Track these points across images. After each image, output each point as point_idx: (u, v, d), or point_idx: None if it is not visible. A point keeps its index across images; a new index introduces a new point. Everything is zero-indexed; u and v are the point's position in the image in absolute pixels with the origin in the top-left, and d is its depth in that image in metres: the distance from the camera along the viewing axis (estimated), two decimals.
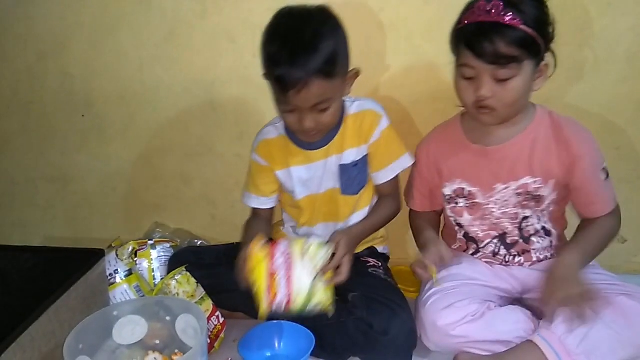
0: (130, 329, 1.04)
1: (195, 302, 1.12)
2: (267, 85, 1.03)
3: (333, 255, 1.02)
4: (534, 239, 1.12)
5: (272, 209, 1.23)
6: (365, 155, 1.13)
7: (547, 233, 1.12)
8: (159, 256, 1.31)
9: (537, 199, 1.07)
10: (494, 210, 1.10)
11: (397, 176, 1.17)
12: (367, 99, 1.15)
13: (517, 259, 1.13)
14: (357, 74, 1.07)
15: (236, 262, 1.04)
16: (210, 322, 1.13)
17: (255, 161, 1.19)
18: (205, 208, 1.55)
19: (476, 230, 1.14)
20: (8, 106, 1.53)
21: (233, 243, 1.24)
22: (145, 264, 1.29)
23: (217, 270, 1.16)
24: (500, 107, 0.99)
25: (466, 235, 1.16)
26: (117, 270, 1.24)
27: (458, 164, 1.11)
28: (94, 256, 1.21)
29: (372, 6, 1.29)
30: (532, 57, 0.96)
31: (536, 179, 1.06)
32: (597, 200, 1.07)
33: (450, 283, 1.08)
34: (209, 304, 1.15)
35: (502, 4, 0.93)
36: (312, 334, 1.07)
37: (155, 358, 1.04)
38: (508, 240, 1.12)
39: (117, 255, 1.26)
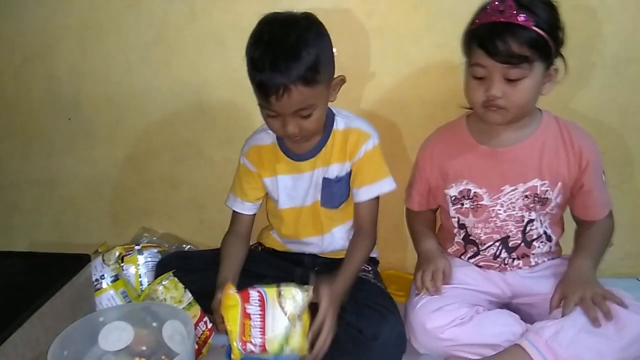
0: (116, 335, 1.03)
1: (183, 308, 1.11)
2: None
3: (314, 305, 0.99)
4: (535, 243, 1.13)
5: (253, 216, 1.23)
6: (349, 172, 1.14)
7: (548, 238, 1.14)
8: (145, 262, 1.29)
9: (544, 201, 1.09)
10: (499, 212, 1.11)
11: (376, 203, 1.15)
12: (359, 118, 1.16)
13: (515, 262, 1.14)
14: (342, 80, 1.08)
15: (212, 305, 1.05)
16: (197, 327, 1.12)
17: (245, 165, 1.19)
18: (193, 212, 1.53)
19: (479, 233, 1.14)
20: None
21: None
22: (132, 270, 1.28)
23: (205, 275, 1.16)
24: (510, 107, 1.00)
25: (466, 237, 1.17)
26: (103, 275, 1.23)
27: (465, 165, 1.12)
28: (79, 261, 1.19)
29: (360, 12, 1.29)
30: (542, 60, 0.98)
31: (544, 182, 1.08)
32: (598, 203, 1.11)
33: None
34: (196, 310, 1.14)
35: (515, 4, 0.96)
36: None
37: None
38: (510, 244, 1.13)
39: (103, 260, 1.24)
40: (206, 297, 1.14)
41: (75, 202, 1.57)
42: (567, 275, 1.07)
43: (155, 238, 1.48)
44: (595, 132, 1.27)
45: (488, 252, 1.15)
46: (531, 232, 1.12)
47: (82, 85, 1.45)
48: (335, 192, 1.15)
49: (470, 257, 1.18)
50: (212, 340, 1.15)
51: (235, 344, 0.97)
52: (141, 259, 1.29)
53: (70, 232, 1.60)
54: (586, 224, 1.13)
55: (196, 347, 1.10)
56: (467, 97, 1.06)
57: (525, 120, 1.07)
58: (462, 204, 1.14)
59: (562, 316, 1.00)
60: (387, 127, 1.35)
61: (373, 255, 1.26)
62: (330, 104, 1.12)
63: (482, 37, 0.99)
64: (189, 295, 1.14)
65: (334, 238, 1.21)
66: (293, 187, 1.17)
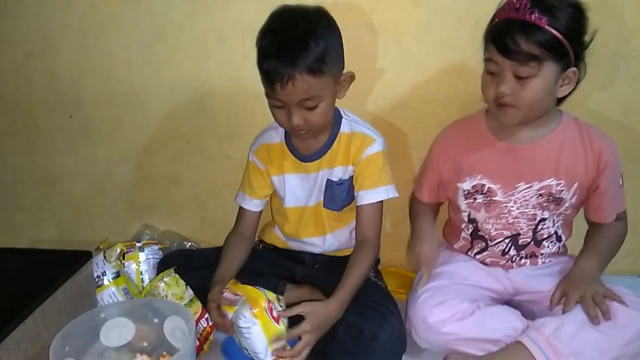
0: (117, 331, 1.03)
1: (184, 304, 1.11)
2: (257, 87, 1.03)
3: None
4: (545, 242, 1.13)
5: (259, 214, 1.23)
6: (352, 176, 1.14)
7: (558, 239, 1.14)
8: (147, 259, 1.29)
9: (558, 201, 1.09)
10: (512, 209, 1.11)
11: (378, 211, 1.13)
12: (365, 123, 1.15)
13: (522, 261, 1.14)
14: (352, 77, 1.08)
15: (208, 296, 1.06)
16: (199, 324, 1.12)
17: (253, 163, 1.20)
18: (194, 210, 1.54)
19: (489, 228, 1.14)
20: None
21: (222, 246, 1.24)
22: (133, 267, 1.28)
23: (207, 273, 1.16)
24: (520, 106, 1.00)
25: (474, 232, 1.16)
26: (104, 272, 1.23)
27: (481, 159, 1.11)
28: (81, 258, 1.19)
29: (363, 7, 1.29)
30: (555, 60, 0.96)
31: (560, 182, 1.07)
32: (612, 206, 1.11)
33: (443, 281, 1.09)
34: (198, 306, 1.14)
35: (529, 2, 0.95)
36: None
37: None
38: (520, 242, 1.13)
39: (104, 257, 1.24)
40: (207, 295, 1.15)
41: (77, 199, 1.57)
42: (570, 274, 1.07)
43: (156, 235, 1.48)
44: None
45: (497, 248, 1.15)
46: (542, 231, 1.12)
47: (83, 83, 1.45)
48: (338, 195, 1.15)
49: (477, 253, 1.17)
50: (213, 337, 1.15)
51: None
52: (142, 256, 1.29)
53: (71, 229, 1.60)
54: (597, 225, 1.13)
55: (197, 343, 1.10)
56: (482, 92, 1.05)
57: (543, 119, 1.06)
58: (475, 199, 1.13)
59: (562, 313, 1.00)
60: (389, 126, 1.35)
61: None
62: (338, 105, 1.12)
63: (494, 33, 0.99)
64: (190, 291, 1.15)
65: (335, 239, 1.21)
66: (299, 187, 1.17)
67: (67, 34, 1.41)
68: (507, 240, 1.14)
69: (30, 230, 1.62)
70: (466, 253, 1.19)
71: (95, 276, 1.22)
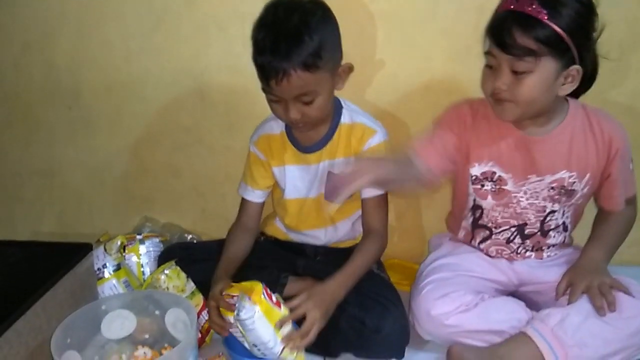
0: (119, 324, 1.03)
1: (186, 297, 1.11)
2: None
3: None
4: (552, 233, 1.12)
5: (261, 205, 1.22)
6: None
7: (565, 228, 1.13)
8: (147, 251, 1.29)
9: (570, 193, 1.07)
10: (521, 199, 1.09)
11: (383, 202, 1.12)
12: (365, 113, 1.14)
13: (527, 253, 1.13)
14: (350, 68, 1.06)
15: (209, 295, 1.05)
16: (201, 316, 1.11)
17: (254, 153, 1.18)
18: (195, 201, 1.53)
19: (496, 216, 1.12)
20: None
21: (224, 239, 1.23)
22: (134, 259, 1.27)
23: (208, 266, 1.15)
24: (516, 101, 0.97)
25: (475, 222, 1.15)
26: (105, 264, 1.23)
27: (495, 147, 1.07)
28: (81, 250, 1.19)
29: None
30: (555, 57, 0.93)
31: (572, 174, 1.05)
32: (623, 192, 1.09)
33: (447, 273, 1.08)
34: (199, 299, 1.14)
35: None
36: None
37: (144, 352, 1.02)
38: (526, 231, 1.12)
39: (105, 249, 1.24)
40: (209, 288, 1.14)
41: (77, 191, 1.56)
42: (577, 264, 1.06)
43: (157, 227, 1.48)
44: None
45: (502, 236, 1.13)
46: (550, 222, 1.10)
47: (82, 74, 1.44)
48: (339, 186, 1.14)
49: (480, 242, 1.16)
50: None
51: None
52: (143, 248, 1.28)
53: (71, 221, 1.60)
54: (607, 212, 1.11)
55: (199, 335, 1.10)
56: (481, 86, 1.03)
57: (551, 113, 1.03)
58: (483, 185, 1.10)
59: (568, 304, 1.00)
60: (390, 116, 1.34)
61: None
62: (339, 95, 1.10)
63: (493, 24, 0.97)
64: (192, 284, 1.14)
65: (337, 231, 1.20)
66: (299, 178, 1.16)
67: (64, 23, 1.39)
68: (513, 229, 1.12)
69: (30, 223, 1.61)
70: (469, 243, 1.18)
71: (95, 269, 1.22)
